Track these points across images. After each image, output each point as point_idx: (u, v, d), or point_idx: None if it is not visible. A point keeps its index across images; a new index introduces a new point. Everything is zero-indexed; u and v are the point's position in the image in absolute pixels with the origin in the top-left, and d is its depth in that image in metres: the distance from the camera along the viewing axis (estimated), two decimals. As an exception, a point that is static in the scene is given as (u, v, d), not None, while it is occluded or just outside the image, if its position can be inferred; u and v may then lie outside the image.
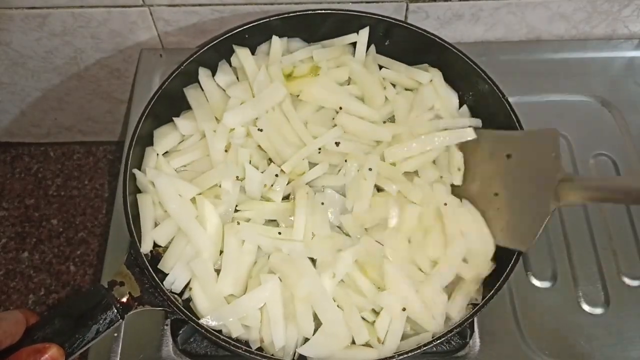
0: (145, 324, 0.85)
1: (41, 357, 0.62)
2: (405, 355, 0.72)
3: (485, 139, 0.88)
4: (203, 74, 0.93)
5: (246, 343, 0.78)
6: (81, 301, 0.71)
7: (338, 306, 0.78)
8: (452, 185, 0.89)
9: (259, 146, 0.89)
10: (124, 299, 0.73)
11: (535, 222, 0.76)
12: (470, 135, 0.90)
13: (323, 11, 0.95)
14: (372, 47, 0.97)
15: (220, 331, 0.75)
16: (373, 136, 0.90)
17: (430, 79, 0.94)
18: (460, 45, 0.94)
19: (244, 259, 0.81)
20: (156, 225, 0.83)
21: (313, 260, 0.81)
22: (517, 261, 0.77)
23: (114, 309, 0.71)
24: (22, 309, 0.66)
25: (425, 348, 0.73)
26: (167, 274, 0.79)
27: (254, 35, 0.95)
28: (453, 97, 0.95)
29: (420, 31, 0.94)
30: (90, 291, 0.72)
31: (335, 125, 0.90)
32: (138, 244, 0.78)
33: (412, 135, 0.90)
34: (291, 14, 0.95)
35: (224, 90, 0.93)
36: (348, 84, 0.96)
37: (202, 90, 0.93)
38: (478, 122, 0.93)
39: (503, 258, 0.80)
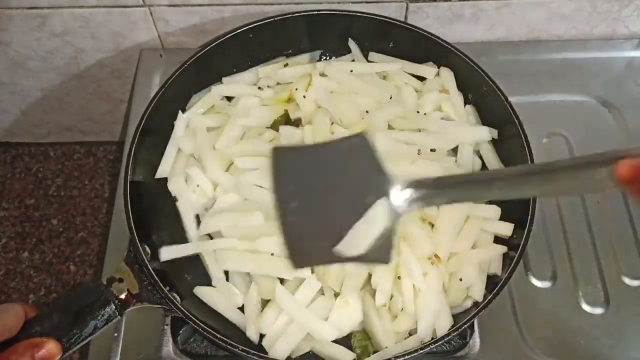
0: (145, 323, 0.85)
1: (38, 351, 0.62)
2: (407, 356, 0.72)
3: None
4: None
5: (245, 342, 0.78)
6: (79, 297, 0.71)
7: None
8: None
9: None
10: (123, 296, 0.73)
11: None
12: (486, 135, 0.91)
13: (325, 12, 0.96)
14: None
15: (218, 331, 0.75)
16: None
17: (435, 73, 0.95)
18: (460, 45, 0.94)
19: None
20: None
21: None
22: (518, 262, 0.77)
23: (112, 305, 0.71)
24: (21, 303, 0.66)
25: (424, 350, 0.73)
26: (167, 272, 0.79)
27: (257, 35, 0.96)
28: (460, 97, 0.96)
29: (419, 31, 0.95)
30: (89, 287, 0.72)
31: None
32: (137, 244, 0.78)
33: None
34: (294, 15, 0.96)
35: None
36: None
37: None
38: (494, 132, 0.93)
39: (503, 259, 0.81)
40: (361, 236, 0.68)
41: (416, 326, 0.79)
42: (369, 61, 1.01)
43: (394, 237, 0.67)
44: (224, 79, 0.97)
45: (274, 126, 0.92)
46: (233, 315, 0.82)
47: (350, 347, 0.80)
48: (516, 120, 0.87)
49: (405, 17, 1.06)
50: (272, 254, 0.81)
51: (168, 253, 0.82)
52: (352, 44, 1.00)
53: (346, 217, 0.67)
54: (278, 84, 0.98)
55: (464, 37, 1.11)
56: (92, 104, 1.30)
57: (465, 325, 0.74)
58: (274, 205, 0.65)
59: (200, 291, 0.82)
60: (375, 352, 0.79)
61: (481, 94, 0.93)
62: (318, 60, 1.02)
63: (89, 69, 1.20)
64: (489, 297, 0.76)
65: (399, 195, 0.66)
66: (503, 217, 0.86)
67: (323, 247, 0.69)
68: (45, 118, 1.35)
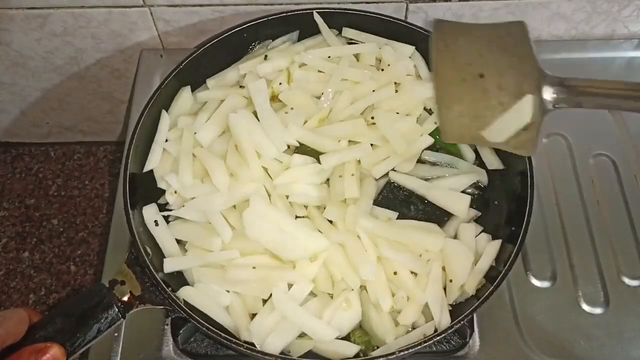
0: (145, 323, 0.85)
1: (42, 356, 0.62)
2: (411, 350, 0.72)
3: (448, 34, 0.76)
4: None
5: (246, 341, 0.78)
6: (82, 300, 0.71)
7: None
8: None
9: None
10: (125, 298, 0.73)
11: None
12: None
13: (322, 10, 0.96)
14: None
15: (223, 329, 0.75)
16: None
17: (411, 52, 0.96)
18: (460, 45, 0.94)
19: None
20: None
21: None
22: (517, 256, 0.77)
23: (115, 308, 0.71)
24: (25, 307, 0.66)
25: (428, 343, 0.73)
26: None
27: (253, 34, 0.97)
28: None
29: (416, 28, 0.95)
30: (91, 290, 0.72)
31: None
32: (139, 246, 0.77)
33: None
34: (289, 13, 0.96)
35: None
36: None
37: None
38: None
39: (502, 255, 0.81)
40: (506, 126, 0.70)
41: (418, 320, 0.79)
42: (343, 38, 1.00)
43: (538, 132, 0.69)
44: (208, 82, 0.95)
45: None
46: (221, 317, 0.79)
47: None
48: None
49: (405, 17, 1.06)
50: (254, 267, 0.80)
51: (171, 265, 0.81)
52: (319, 19, 0.97)
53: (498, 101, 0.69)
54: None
55: (464, 37, 1.12)
56: (92, 104, 1.30)
57: (464, 321, 0.75)
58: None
59: (185, 292, 0.79)
60: (378, 347, 0.79)
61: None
62: (298, 41, 1.00)
63: (89, 69, 1.20)
64: (490, 289, 0.76)
65: (549, 93, 0.69)
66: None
67: (472, 127, 0.71)
68: (46, 118, 1.35)
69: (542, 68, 0.70)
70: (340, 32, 0.98)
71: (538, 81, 0.70)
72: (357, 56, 0.97)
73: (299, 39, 0.99)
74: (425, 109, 0.94)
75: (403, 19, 1.06)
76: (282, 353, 0.76)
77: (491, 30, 0.75)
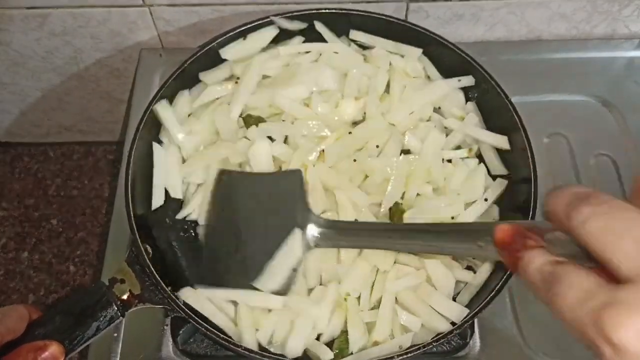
0: (145, 324, 0.85)
1: (42, 354, 0.62)
2: (405, 356, 0.72)
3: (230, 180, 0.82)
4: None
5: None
6: (82, 298, 0.71)
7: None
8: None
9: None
10: (125, 297, 0.73)
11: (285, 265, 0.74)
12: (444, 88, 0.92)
13: (324, 11, 0.96)
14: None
15: (221, 330, 0.75)
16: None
17: (419, 54, 0.95)
18: (461, 45, 0.94)
19: None
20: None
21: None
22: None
23: (115, 306, 0.71)
24: (25, 304, 0.66)
25: (425, 349, 0.72)
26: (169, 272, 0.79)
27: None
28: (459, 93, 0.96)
29: (418, 29, 0.94)
30: (91, 288, 0.72)
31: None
32: (139, 244, 0.77)
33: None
34: (293, 13, 0.96)
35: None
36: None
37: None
38: (470, 79, 0.93)
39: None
40: (278, 270, 0.75)
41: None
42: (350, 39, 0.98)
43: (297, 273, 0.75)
44: (201, 74, 0.93)
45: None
46: (224, 322, 0.78)
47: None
48: (518, 120, 0.87)
49: (406, 17, 1.06)
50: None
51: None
52: (321, 27, 0.96)
53: (267, 247, 0.75)
54: None
55: (464, 37, 1.12)
56: (91, 104, 1.31)
57: (465, 325, 0.74)
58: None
59: (185, 294, 0.77)
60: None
61: (481, 91, 0.93)
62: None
63: (89, 69, 1.20)
64: (488, 297, 0.75)
65: (313, 230, 0.74)
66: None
67: (239, 278, 0.77)
68: (45, 118, 1.35)
69: (309, 210, 0.74)
70: (343, 33, 0.98)
71: (304, 221, 0.74)
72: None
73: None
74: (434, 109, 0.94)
75: (403, 18, 1.06)
76: (265, 350, 0.75)
77: (267, 180, 0.79)
